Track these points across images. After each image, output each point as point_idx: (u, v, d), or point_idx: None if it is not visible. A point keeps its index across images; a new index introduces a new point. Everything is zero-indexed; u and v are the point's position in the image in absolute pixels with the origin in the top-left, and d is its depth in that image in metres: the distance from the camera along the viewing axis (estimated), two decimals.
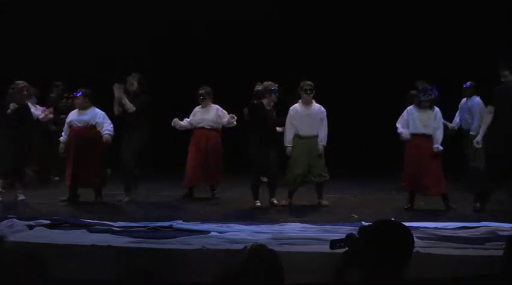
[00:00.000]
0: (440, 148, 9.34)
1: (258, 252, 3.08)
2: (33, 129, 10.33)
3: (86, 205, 9.82)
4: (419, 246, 6.36)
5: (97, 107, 10.15)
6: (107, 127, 9.95)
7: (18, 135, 9.89)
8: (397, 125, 9.53)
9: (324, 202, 9.81)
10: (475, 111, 10.94)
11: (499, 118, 9.00)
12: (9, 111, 9.74)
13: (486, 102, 9.71)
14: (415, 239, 3.16)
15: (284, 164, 9.75)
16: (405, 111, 9.53)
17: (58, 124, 11.33)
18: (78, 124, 10.05)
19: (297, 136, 9.71)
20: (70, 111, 10.44)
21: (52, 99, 12.33)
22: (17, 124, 9.86)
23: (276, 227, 7.98)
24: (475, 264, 6.37)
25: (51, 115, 10.81)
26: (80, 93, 10.15)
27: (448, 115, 10.74)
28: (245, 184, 9.97)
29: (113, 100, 10.05)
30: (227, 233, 7.56)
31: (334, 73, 11.92)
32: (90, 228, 7.87)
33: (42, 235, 7.50)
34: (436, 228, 7.92)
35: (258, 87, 9.70)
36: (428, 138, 9.36)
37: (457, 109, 11.34)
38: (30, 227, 7.75)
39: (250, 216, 8.95)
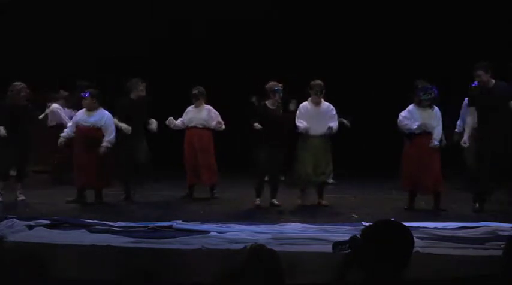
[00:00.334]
0: (437, 144, 9.34)
1: (258, 252, 3.08)
2: (32, 130, 10.33)
3: (86, 205, 9.82)
4: (419, 246, 6.36)
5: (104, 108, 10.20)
6: (107, 137, 9.90)
7: (17, 136, 9.91)
8: (404, 121, 9.42)
9: (324, 202, 9.81)
10: None
11: (478, 118, 9.06)
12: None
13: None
14: (415, 239, 3.16)
15: (291, 164, 9.73)
16: (406, 109, 9.51)
17: None
18: (85, 125, 10.04)
19: (304, 136, 9.70)
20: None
21: (77, 100, 12.18)
22: (17, 125, 9.89)
23: (276, 227, 7.97)
24: (475, 264, 6.36)
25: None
26: (88, 93, 10.12)
27: (448, 115, 10.72)
28: (244, 184, 9.97)
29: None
30: (227, 233, 7.56)
31: (334, 73, 11.89)
32: (90, 228, 7.86)
33: (42, 235, 7.49)
34: (436, 228, 7.91)
35: (253, 100, 9.77)
36: (428, 136, 9.36)
37: (457, 109, 11.30)
38: (30, 227, 7.74)
39: (250, 216, 8.95)
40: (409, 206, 9.45)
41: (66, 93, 12.34)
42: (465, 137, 9.33)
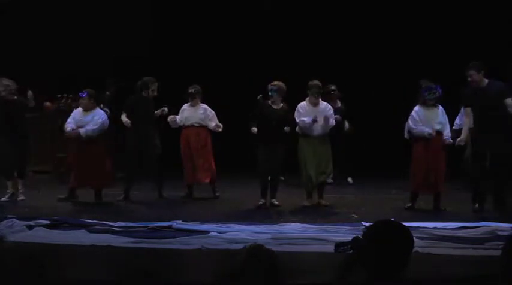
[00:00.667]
0: (451, 140, 9.36)
1: (256, 252, 3.08)
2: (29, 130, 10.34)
3: (86, 205, 9.82)
4: (419, 246, 6.36)
5: (100, 108, 10.20)
6: (88, 126, 9.90)
7: (16, 135, 9.92)
8: (413, 126, 9.42)
9: (324, 202, 9.81)
10: None
11: (474, 118, 9.06)
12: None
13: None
14: (415, 239, 3.16)
15: (293, 164, 9.73)
16: (413, 112, 9.50)
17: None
18: (81, 124, 10.04)
19: (304, 137, 9.70)
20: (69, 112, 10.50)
21: (108, 98, 12.01)
22: (12, 122, 9.88)
23: (276, 227, 7.97)
24: (475, 264, 6.36)
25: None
26: (85, 93, 10.12)
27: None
28: (244, 184, 9.96)
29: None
30: (227, 233, 7.55)
31: (334, 73, 11.89)
32: (90, 228, 7.86)
33: (41, 235, 7.49)
34: (435, 228, 7.91)
35: (259, 99, 9.78)
36: (436, 134, 9.37)
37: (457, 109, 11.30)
38: (30, 227, 7.74)
39: (250, 216, 8.95)
40: (409, 206, 9.45)
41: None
42: (462, 136, 9.33)
